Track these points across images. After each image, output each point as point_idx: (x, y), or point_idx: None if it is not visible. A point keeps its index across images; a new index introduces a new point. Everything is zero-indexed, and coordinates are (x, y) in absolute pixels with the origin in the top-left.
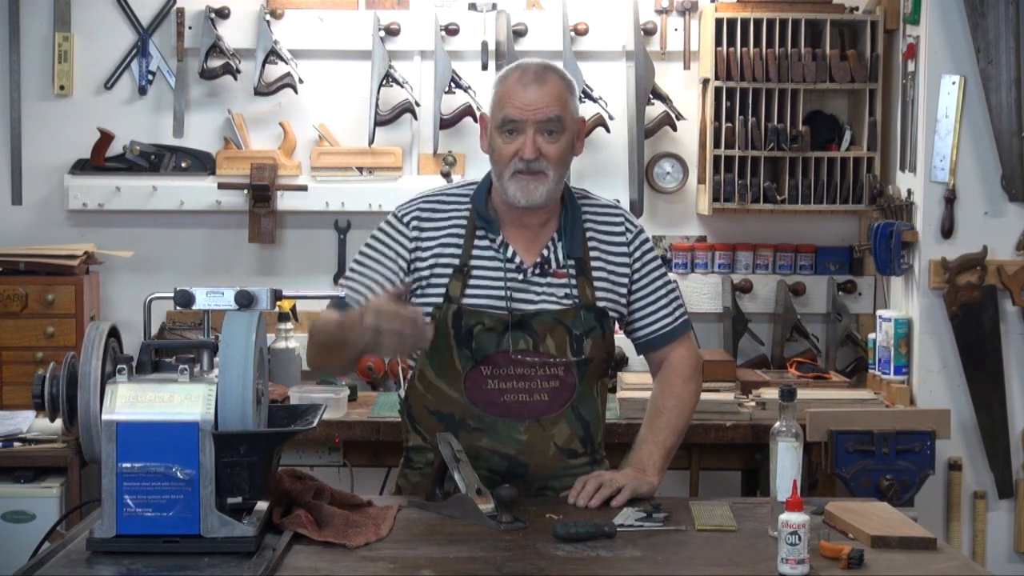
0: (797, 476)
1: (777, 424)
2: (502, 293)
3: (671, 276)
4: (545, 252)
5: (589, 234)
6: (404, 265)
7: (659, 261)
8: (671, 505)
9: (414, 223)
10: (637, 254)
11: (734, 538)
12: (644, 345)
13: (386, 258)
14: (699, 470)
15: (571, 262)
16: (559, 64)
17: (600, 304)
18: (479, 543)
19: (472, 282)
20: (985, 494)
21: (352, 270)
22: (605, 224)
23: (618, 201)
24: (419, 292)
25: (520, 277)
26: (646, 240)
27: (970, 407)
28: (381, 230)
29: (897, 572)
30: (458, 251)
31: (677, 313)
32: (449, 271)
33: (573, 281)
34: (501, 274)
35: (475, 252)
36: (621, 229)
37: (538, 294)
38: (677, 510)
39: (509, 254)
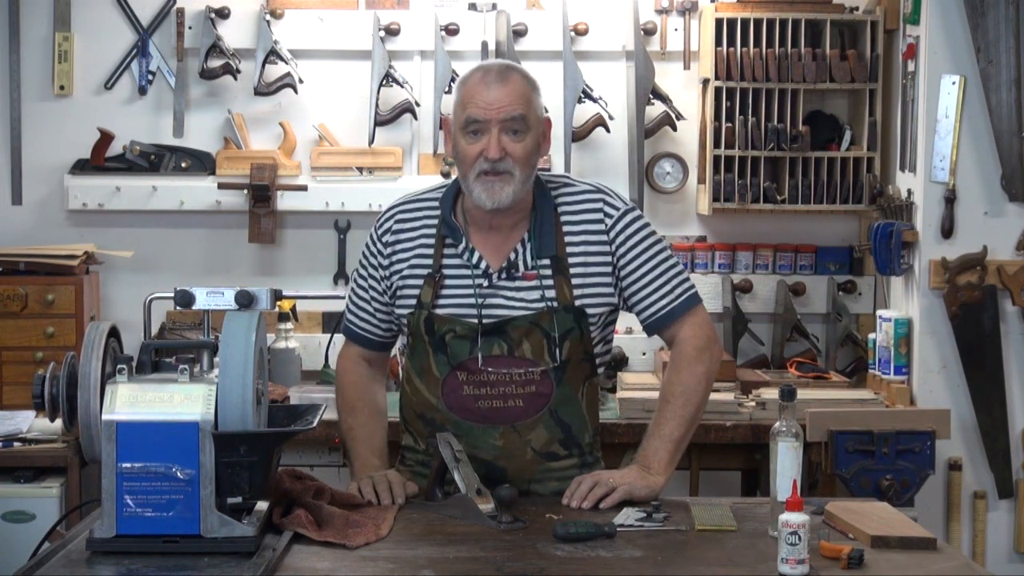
0: (797, 476)
1: (777, 424)
2: (472, 300)
3: (669, 253)
4: (512, 256)
5: (565, 228)
6: (386, 287)
7: (652, 240)
8: (671, 505)
9: (388, 237)
10: (619, 239)
11: (734, 538)
12: (648, 327)
13: (373, 285)
14: (699, 470)
15: (544, 262)
16: (559, 64)
17: (579, 302)
18: (479, 543)
19: (444, 291)
20: (985, 494)
21: (350, 293)
22: (581, 214)
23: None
24: (398, 301)
25: (486, 283)
26: (632, 221)
27: (970, 407)
28: (365, 248)
29: (897, 572)
30: (429, 260)
31: (678, 291)
32: (420, 280)
33: (548, 282)
34: (470, 281)
35: (444, 260)
36: (599, 217)
37: (508, 299)
38: (677, 510)
39: (475, 260)
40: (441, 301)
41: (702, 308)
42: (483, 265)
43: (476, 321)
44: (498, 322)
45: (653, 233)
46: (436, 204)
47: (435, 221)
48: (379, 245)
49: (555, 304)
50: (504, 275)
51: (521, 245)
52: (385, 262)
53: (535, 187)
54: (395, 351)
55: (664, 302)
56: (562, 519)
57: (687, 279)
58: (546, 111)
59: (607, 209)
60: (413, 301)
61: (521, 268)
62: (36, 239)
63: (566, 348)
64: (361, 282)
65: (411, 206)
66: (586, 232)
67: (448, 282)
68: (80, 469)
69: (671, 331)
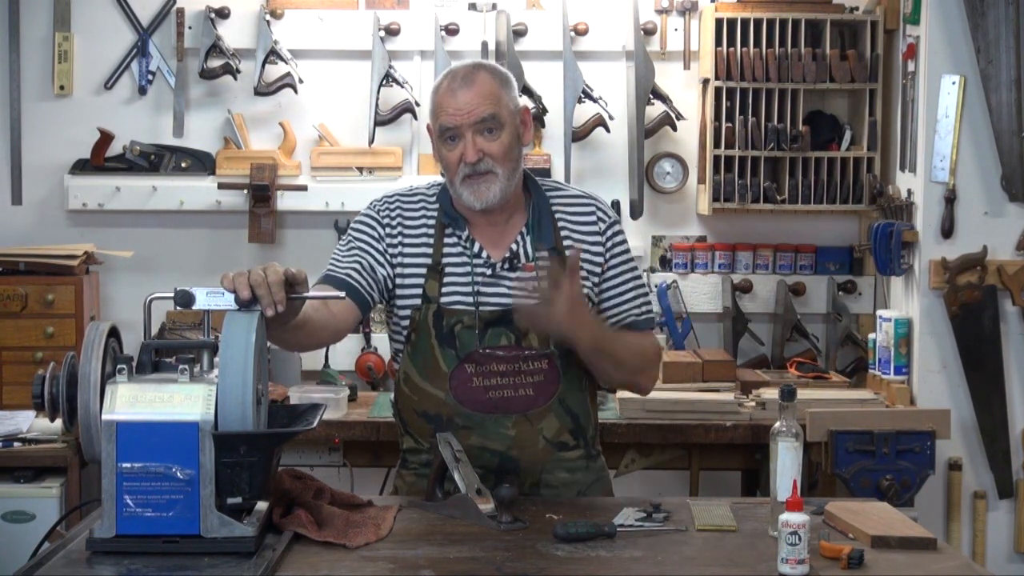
0: (797, 476)
1: (777, 424)
2: (471, 290)
3: (641, 274)
4: (514, 247)
5: (561, 223)
6: (384, 251)
7: (631, 256)
8: (671, 505)
9: (387, 219)
10: (610, 244)
11: (734, 538)
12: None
13: (367, 244)
14: (699, 470)
15: (543, 254)
16: (559, 64)
17: None
18: (479, 543)
19: (446, 279)
20: (985, 494)
21: (332, 259)
22: (576, 213)
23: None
24: (397, 292)
25: (489, 272)
26: (619, 232)
27: (970, 407)
28: (359, 222)
29: (897, 572)
30: (430, 249)
31: (644, 308)
32: (423, 270)
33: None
34: (469, 268)
35: (445, 249)
36: (593, 219)
37: (510, 288)
38: (677, 510)
39: (476, 249)
40: (445, 290)
41: (655, 336)
42: (484, 255)
43: (483, 310)
44: (504, 311)
45: (630, 249)
46: (432, 198)
47: (434, 212)
48: (378, 217)
49: None
50: (507, 266)
51: (521, 237)
52: (388, 239)
53: (528, 182)
54: (388, 355)
55: (635, 312)
56: (562, 519)
57: (651, 304)
58: (523, 102)
59: (600, 214)
60: (417, 292)
61: (522, 259)
62: (36, 239)
63: None
64: (352, 243)
65: (407, 198)
66: (582, 230)
67: (449, 270)
68: (80, 469)
69: None
